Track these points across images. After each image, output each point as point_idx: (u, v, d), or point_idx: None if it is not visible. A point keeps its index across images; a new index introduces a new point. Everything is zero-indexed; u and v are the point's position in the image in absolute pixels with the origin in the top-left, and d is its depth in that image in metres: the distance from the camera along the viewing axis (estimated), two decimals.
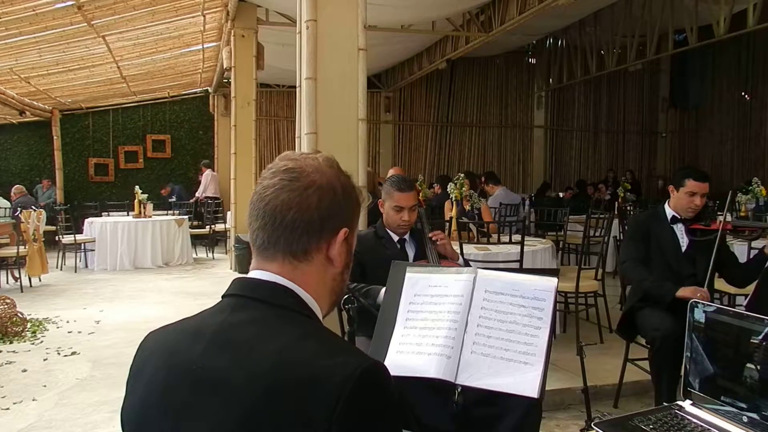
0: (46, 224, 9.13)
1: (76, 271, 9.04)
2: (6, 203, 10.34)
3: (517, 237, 4.72)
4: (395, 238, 3.06)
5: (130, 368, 1.00)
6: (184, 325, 0.98)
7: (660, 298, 3.24)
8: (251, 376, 0.84)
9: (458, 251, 4.13)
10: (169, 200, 12.22)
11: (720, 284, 4.35)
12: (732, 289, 4.56)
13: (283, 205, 0.94)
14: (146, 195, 9.86)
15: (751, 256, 4.50)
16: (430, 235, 2.99)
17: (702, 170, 3.50)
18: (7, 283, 8.01)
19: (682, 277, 3.34)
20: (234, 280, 0.99)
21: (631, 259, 3.42)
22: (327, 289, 1.00)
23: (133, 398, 0.96)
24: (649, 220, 3.52)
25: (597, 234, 5.74)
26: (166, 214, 10.43)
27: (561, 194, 12.39)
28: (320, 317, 0.99)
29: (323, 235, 0.96)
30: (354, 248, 1.04)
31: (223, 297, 0.98)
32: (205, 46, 10.23)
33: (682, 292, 3.12)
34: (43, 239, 8.24)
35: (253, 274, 0.97)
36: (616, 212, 7.74)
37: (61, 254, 9.43)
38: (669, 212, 3.43)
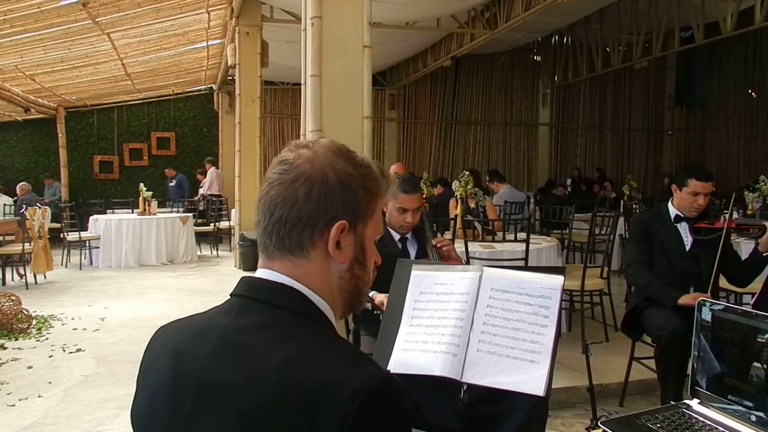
0: (51, 221, 9.15)
1: (81, 269, 9.05)
2: (9, 200, 10.36)
3: (522, 235, 4.71)
4: (396, 236, 3.04)
5: (140, 366, 0.99)
6: (192, 323, 0.96)
7: (663, 304, 3.23)
8: (254, 386, 0.81)
9: (463, 251, 4.11)
10: (170, 184, 12.13)
11: (725, 283, 4.33)
12: (739, 288, 4.53)
13: (271, 201, 0.92)
14: (151, 192, 9.88)
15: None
16: (434, 242, 2.97)
17: (705, 169, 3.45)
18: (12, 280, 8.05)
19: (687, 276, 3.32)
20: (241, 279, 0.96)
21: (635, 263, 3.38)
22: (335, 287, 0.95)
23: (140, 399, 0.96)
24: (651, 219, 3.48)
25: (602, 232, 5.72)
26: (170, 212, 10.45)
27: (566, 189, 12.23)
28: (332, 319, 0.94)
29: (317, 230, 0.91)
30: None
31: (231, 296, 0.96)
32: (209, 43, 10.23)
33: (684, 299, 3.11)
34: (48, 236, 8.26)
35: (259, 273, 0.95)
36: (621, 210, 7.72)
37: (66, 251, 9.46)
38: (672, 211, 3.38)
